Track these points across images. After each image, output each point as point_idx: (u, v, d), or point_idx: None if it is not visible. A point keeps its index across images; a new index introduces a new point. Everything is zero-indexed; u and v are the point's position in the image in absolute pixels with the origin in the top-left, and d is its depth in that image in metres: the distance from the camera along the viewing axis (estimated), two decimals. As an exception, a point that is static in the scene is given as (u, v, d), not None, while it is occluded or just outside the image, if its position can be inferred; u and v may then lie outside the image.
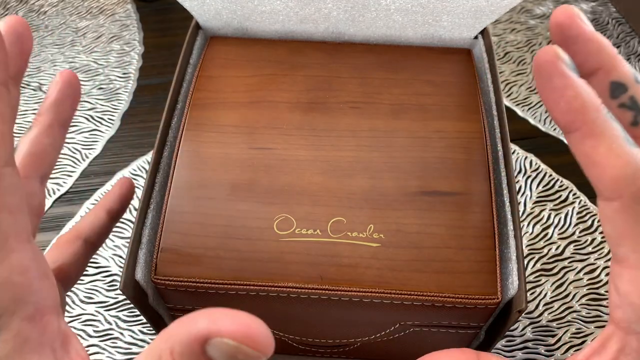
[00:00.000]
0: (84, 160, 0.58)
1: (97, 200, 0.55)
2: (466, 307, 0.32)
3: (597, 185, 0.25)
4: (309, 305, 0.34)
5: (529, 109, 0.63)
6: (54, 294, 0.26)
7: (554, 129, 0.61)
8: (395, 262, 0.33)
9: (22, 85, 0.65)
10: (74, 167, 0.57)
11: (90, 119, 0.61)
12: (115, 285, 0.52)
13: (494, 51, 0.40)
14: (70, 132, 0.60)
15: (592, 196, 0.55)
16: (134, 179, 0.58)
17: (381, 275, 0.32)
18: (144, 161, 0.59)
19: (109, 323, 0.47)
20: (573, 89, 0.24)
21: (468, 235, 0.33)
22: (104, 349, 0.46)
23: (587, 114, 0.24)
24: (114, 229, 0.55)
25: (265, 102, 0.38)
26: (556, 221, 0.54)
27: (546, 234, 0.53)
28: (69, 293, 0.50)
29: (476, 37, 0.42)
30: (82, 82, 0.65)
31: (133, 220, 0.54)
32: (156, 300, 0.35)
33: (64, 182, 0.56)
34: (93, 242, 0.40)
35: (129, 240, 0.34)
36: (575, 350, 0.46)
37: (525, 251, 0.51)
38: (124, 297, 0.51)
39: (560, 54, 0.25)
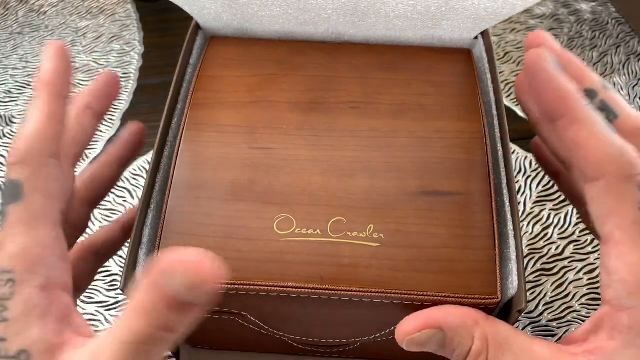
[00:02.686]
0: (84, 160, 0.58)
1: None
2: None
3: (583, 167, 0.28)
4: (309, 305, 0.34)
5: (529, 109, 0.63)
6: (67, 276, 0.29)
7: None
8: (395, 262, 0.33)
9: (22, 85, 0.65)
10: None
11: (91, 119, 0.61)
12: (116, 285, 0.52)
13: (494, 51, 0.40)
14: (71, 132, 0.60)
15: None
16: (134, 179, 0.58)
17: (381, 275, 0.32)
18: (144, 161, 0.59)
19: (109, 323, 0.47)
20: (557, 81, 0.28)
21: (468, 235, 0.33)
22: (104, 349, 0.46)
23: (570, 102, 0.28)
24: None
25: (266, 102, 0.38)
26: (556, 221, 0.54)
27: (546, 234, 0.53)
28: None
29: (476, 38, 0.42)
30: (82, 82, 0.65)
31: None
32: None
33: (64, 182, 0.56)
34: (104, 254, 0.40)
35: (129, 240, 0.34)
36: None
37: (525, 251, 0.51)
38: (124, 297, 0.51)
39: (545, 54, 0.29)
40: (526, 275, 0.50)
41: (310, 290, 0.32)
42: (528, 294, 0.49)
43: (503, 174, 0.36)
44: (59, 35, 0.71)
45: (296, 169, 0.35)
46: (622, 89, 0.67)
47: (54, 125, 0.30)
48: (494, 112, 0.38)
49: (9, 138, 0.60)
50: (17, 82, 0.66)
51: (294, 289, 0.32)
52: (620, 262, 0.28)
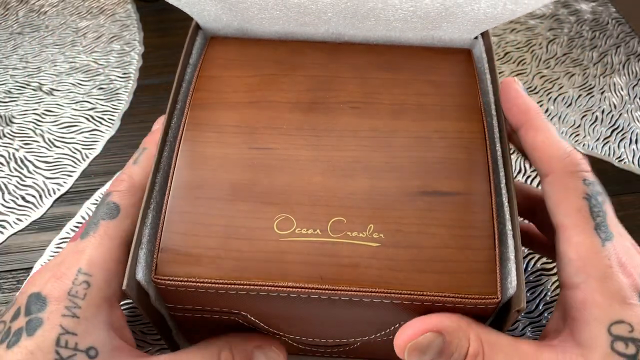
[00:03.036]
0: (84, 160, 0.58)
1: (97, 201, 0.55)
2: (466, 307, 0.32)
3: (538, 165, 0.34)
4: (308, 305, 0.34)
5: (529, 109, 0.63)
6: (121, 292, 0.35)
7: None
8: (395, 262, 0.33)
9: (22, 85, 0.65)
10: (74, 167, 0.57)
11: (90, 119, 0.61)
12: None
13: (494, 51, 0.40)
14: (70, 132, 0.60)
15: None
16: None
17: (381, 275, 0.32)
18: (144, 161, 0.59)
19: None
20: (522, 99, 0.36)
21: (468, 235, 0.33)
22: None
23: (530, 114, 0.36)
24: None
25: (266, 102, 0.38)
26: (556, 221, 0.54)
27: (546, 234, 0.53)
28: None
29: (476, 38, 0.42)
30: (82, 82, 0.65)
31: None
32: (158, 300, 0.35)
33: (64, 182, 0.56)
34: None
35: None
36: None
37: (525, 251, 0.51)
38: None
39: (516, 80, 0.37)
40: (526, 275, 0.51)
41: (310, 290, 0.32)
42: (528, 294, 0.50)
43: (502, 174, 0.36)
44: (59, 35, 0.71)
45: (296, 169, 0.35)
46: (622, 89, 0.67)
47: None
48: (494, 112, 0.39)
49: (9, 138, 0.60)
50: (17, 82, 0.66)
51: (294, 289, 0.32)
52: (567, 244, 0.32)
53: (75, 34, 0.71)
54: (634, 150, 0.61)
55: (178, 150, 0.36)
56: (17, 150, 0.59)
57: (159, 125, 0.41)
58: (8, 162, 0.58)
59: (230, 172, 0.35)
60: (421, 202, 0.34)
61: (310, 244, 0.33)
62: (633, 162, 0.59)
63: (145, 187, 0.35)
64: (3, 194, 0.56)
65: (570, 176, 0.33)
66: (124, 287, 0.32)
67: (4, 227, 0.53)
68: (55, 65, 0.68)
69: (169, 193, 0.35)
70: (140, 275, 0.33)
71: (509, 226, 0.34)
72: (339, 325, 0.37)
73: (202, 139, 0.36)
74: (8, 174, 0.57)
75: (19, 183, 0.57)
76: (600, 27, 0.74)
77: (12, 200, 0.55)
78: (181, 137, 0.37)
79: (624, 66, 0.70)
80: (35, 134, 0.60)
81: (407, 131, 0.37)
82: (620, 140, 0.61)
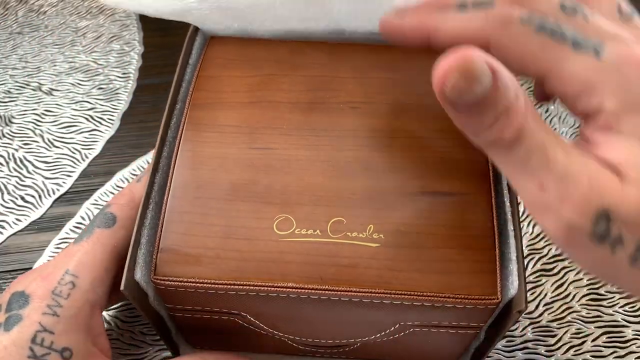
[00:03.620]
0: (83, 160, 0.58)
1: (97, 201, 0.55)
2: (466, 308, 0.32)
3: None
4: (308, 305, 0.34)
5: (529, 109, 0.63)
6: (106, 297, 0.37)
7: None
8: (395, 262, 0.33)
9: (22, 85, 0.65)
10: (73, 167, 0.57)
11: (90, 119, 0.61)
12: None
13: None
14: (70, 132, 0.60)
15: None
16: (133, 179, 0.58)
17: (381, 275, 0.32)
18: (144, 161, 0.59)
19: (109, 324, 0.47)
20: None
21: (468, 236, 0.33)
22: (103, 349, 0.46)
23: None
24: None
25: (265, 102, 0.38)
26: (556, 221, 0.54)
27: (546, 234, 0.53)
28: None
29: None
30: (82, 82, 0.65)
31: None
32: (156, 300, 0.35)
33: (64, 182, 0.56)
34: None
35: None
36: (575, 351, 0.46)
37: (525, 251, 0.51)
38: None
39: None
40: (526, 275, 0.51)
41: (310, 291, 0.32)
42: (528, 294, 0.49)
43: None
44: (59, 35, 0.71)
45: (296, 169, 0.35)
46: None
47: None
48: None
49: (8, 138, 0.60)
50: (16, 82, 0.66)
51: (293, 289, 0.32)
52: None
53: (75, 34, 0.71)
54: (634, 150, 0.60)
55: (177, 150, 0.36)
56: (16, 150, 0.59)
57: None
58: (7, 162, 0.58)
59: (230, 172, 0.35)
60: (421, 202, 0.34)
61: (310, 245, 0.33)
62: (633, 162, 0.59)
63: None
64: (2, 194, 0.56)
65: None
66: (122, 288, 0.31)
67: (3, 228, 0.53)
68: (55, 65, 0.67)
69: (169, 193, 0.35)
70: (139, 275, 0.33)
71: (510, 226, 0.34)
72: (338, 326, 0.37)
73: (202, 139, 0.36)
74: (7, 174, 0.57)
75: (18, 183, 0.56)
76: (600, 27, 0.74)
77: (12, 200, 0.55)
78: (181, 136, 0.37)
79: (624, 66, 0.69)
80: (35, 134, 0.60)
81: (407, 131, 0.36)
82: (621, 141, 0.61)
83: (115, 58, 0.69)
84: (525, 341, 0.48)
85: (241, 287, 0.32)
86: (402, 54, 0.40)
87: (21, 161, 0.58)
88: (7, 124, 0.61)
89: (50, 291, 0.33)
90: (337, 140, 0.36)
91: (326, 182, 0.35)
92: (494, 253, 0.33)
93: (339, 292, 0.32)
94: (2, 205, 0.55)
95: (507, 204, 0.35)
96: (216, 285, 0.33)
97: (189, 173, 0.35)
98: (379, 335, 0.37)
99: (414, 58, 0.40)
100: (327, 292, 0.32)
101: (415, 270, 0.32)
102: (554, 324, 0.48)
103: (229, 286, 0.32)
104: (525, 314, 0.49)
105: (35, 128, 0.61)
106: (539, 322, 0.49)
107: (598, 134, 0.27)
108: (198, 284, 0.33)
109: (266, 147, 0.36)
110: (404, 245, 0.33)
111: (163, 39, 0.71)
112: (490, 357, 0.47)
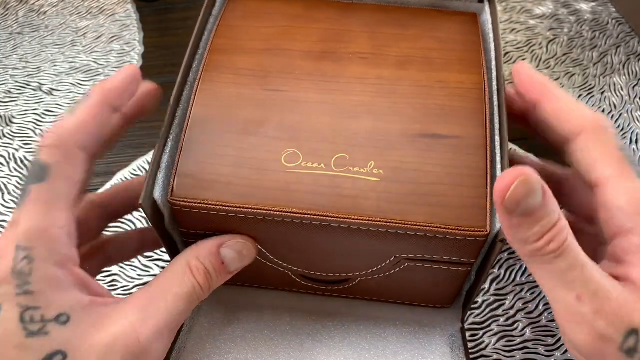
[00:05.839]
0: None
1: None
2: (457, 239, 0.35)
3: (566, 128, 0.35)
4: (311, 232, 0.36)
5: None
6: (76, 252, 0.33)
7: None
8: (392, 195, 0.35)
9: (22, 85, 0.67)
10: (74, 166, 0.58)
11: (90, 119, 0.62)
12: (116, 285, 0.53)
13: (498, 17, 0.43)
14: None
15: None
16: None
17: (379, 206, 0.35)
18: (144, 161, 0.61)
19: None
20: (537, 75, 0.37)
21: (462, 174, 0.36)
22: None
23: (548, 85, 0.36)
24: (112, 226, 0.55)
25: (280, 50, 0.41)
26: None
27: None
28: None
29: (482, 1, 0.45)
30: (82, 83, 0.67)
31: (131, 217, 0.57)
32: (171, 224, 0.37)
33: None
34: (112, 213, 0.42)
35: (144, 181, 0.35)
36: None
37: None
38: (127, 293, 0.53)
39: (527, 63, 0.39)
40: (526, 275, 0.53)
41: (312, 217, 0.35)
42: (528, 294, 0.51)
43: (497, 122, 0.38)
44: (59, 35, 0.72)
45: (305, 109, 0.38)
46: (622, 89, 0.69)
47: (94, 126, 0.33)
48: (493, 67, 0.41)
49: (8, 138, 0.61)
50: (17, 82, 0.67)
51: (297, 214, 0.35)
52: (615, 193, 0.32)
53: (75, 34, 0.73)
54: (634, 150, 0.63)
55: (197, 89, 0.39)
56: (17, 150, 0.60)
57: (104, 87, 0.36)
58: (8, 162, 0.59)
59: (244, 110, 0.38)
60: (420, 143, 0.37)
61: (314, 176, 0.36)
62: (632, 160, 0.61)
63: (79, 141, 0.33)
64: (3, 194, 0.57)
65: (604, 131, 0.33)
66: (140, 202, 0.34)
67: (3, 228, 0.54)
68: (55, 66, 0.69)
69: (187, 125, 0.37)
70: (157, 195, 0.35)
71: (499, 167, 0.37)
72: (338, 258, 0.39)
73: (220, 80, 0.39)
74: (8, 174, 0.58)
75: (19, 183, 0.57)
76: (600, 27, 0.76)
77: (12, 200, 0.56)
78: (200, 77, 0.39)
79: (624, 66, 0.72)
80: (35, 134, 0.61)
81: (411, 80, 0.39)
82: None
83: (115, 58, 0.70)
84: (525, 341, 0.49)
85: (249, 210, 0.35)
86: (411, 14, 0.43)
87: (21, 161, 0.59)
88: (7, 124, 0.63)
89: (8, 273, 0.30)
90: (345, 86, 0.39)
91: (332, 122, 0.37)
92: (485, 191, 0.35)
93: (339, 219, 0.35)
94: (2, 205, 0.56)
95: (499, 148, 0.37)
96: (227, 208, 0.35)
97: (206, 109, 0.38)
98: (375, 269, 0.39)
99: (422, 17, 0.43)
100: (328, 218, 0.35)
101: (411, 203, 0.35)
102: (554, 324, 0.50)
103: (238, 209, 0.35)
104: (525, 313, 0.50)
105: (36, 128, 0.62)
106: (538, 322, 0.50)
107: (630, 256, 0.31)
108: (210, 206, 0.35)
109: (278, 90, 0.39)
110: (402, 180, 0.35)
111: (163, 39, 0.73)
112: (490, 356, 0.48)
